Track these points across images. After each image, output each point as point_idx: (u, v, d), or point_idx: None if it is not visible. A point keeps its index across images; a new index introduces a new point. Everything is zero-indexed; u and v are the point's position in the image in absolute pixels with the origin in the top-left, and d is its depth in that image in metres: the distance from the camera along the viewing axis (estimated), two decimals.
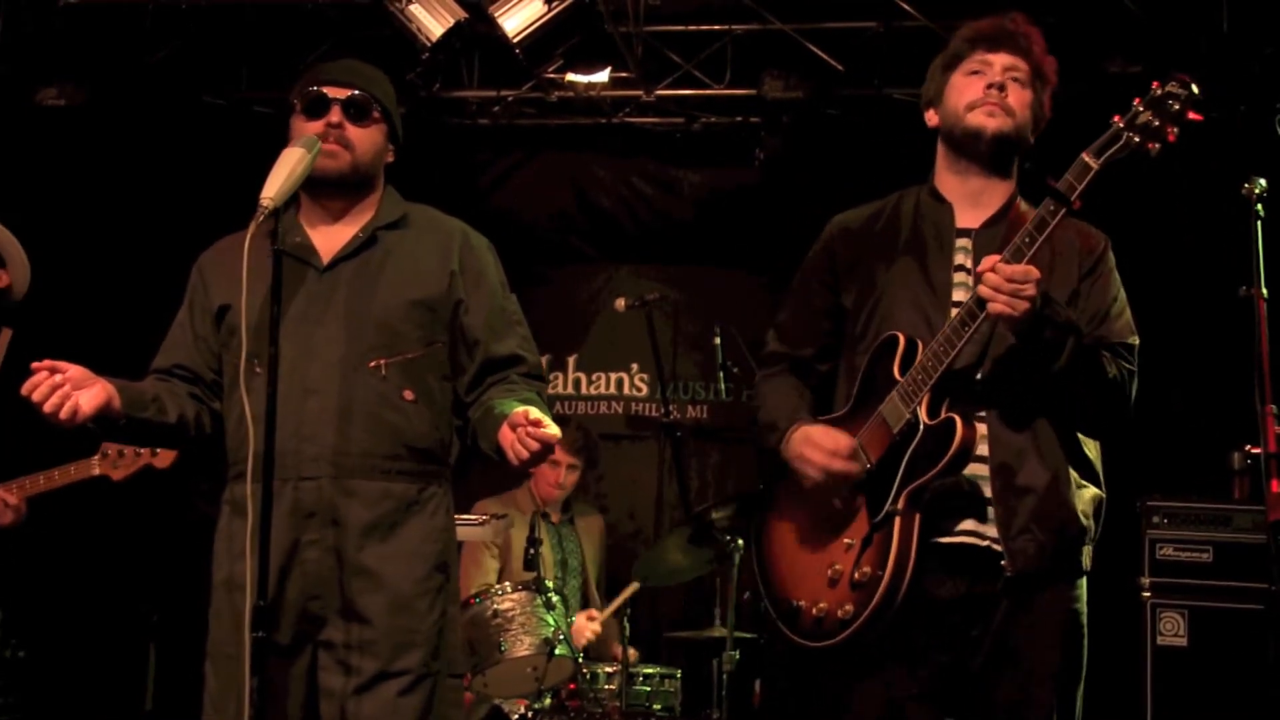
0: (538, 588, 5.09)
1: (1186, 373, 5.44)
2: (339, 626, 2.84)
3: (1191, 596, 4.70)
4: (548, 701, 5.15)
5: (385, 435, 2.89)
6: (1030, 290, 2.60)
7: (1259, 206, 2.91)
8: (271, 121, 6.26)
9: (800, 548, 2.95)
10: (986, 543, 2.76)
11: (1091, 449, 2.88)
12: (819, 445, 2.83)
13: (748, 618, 5.30)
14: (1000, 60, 2.89)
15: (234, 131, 6.38)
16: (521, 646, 4.95)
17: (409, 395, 2.92)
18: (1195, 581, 4.71)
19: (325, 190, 2.99)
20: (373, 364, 2.90)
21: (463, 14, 5.60)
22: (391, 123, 3.05)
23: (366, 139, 2.98)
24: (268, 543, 2.63)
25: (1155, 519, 4.80)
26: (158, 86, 6.34)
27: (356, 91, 2.97)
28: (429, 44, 5.60)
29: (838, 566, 2.83)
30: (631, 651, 5.51)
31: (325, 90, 2.96)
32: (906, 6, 5.77)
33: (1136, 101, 2.60)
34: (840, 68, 6.13)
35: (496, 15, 5.57)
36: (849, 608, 2.78)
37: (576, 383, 7.08)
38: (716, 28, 6.20)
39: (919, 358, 2.75)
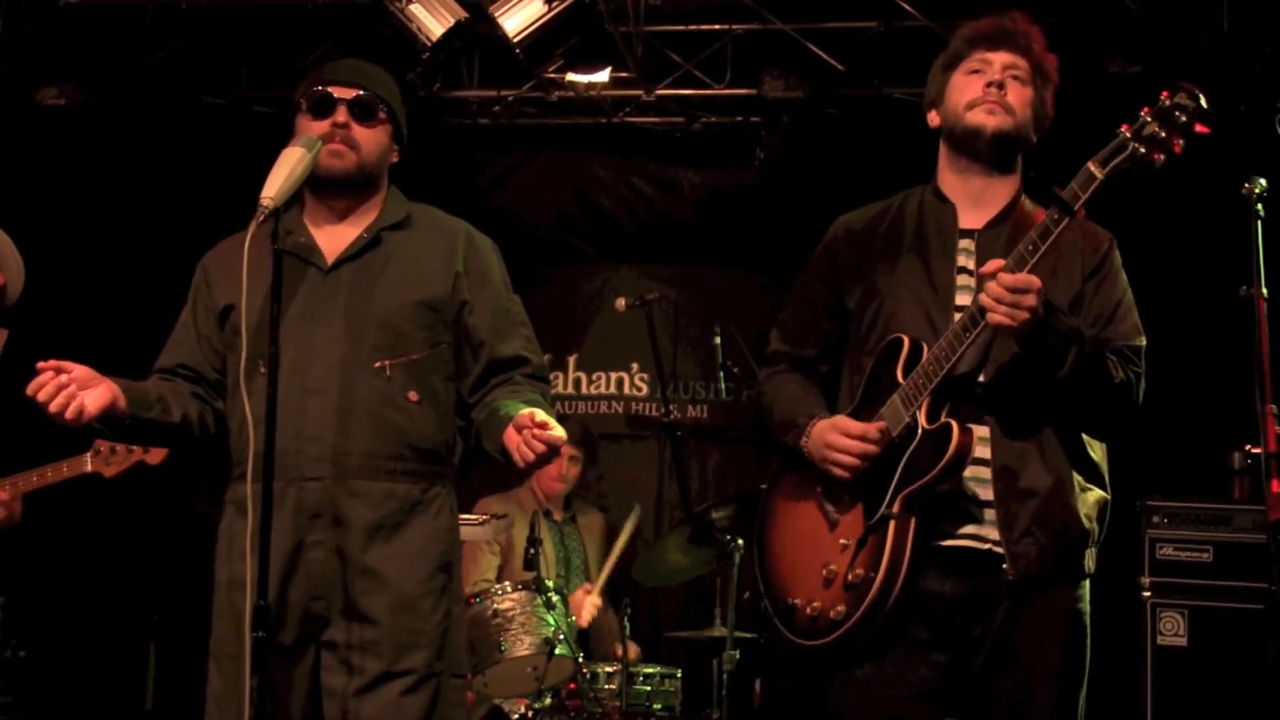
0: (538, 587, 5.10)
1: (1186, 372, 5.44)
2: (342, 627, 2.84)
3: (1191, 596, 4.70)
4: (548, 701, 5.15)
5: (389, 436, 2.89)
6: (1031, 301, 2.58)
7: (1259, 206, 2.91)
8: (271, 121, 6.27)
9: (798, 546, 2.95)
10: (988, 545, 2.75)
11: (1097, 451, 2.88)
12: (846, 430, 2.81)
13: (748, 617, 5.30)
14: (1000, 59, 2.89)
15: (234, 131, 6.38)
16: (522, 646, 4.95)
17: (413, 396, 2.92)
18: (1195, 581, 4.71)
19: (330, 190, 2.99)
20: (377, 365, 2.90)
21: (463, 14, 5.60)
22: (397, 123, 3.05)
23: (372, 139, 2.98)
24: (268, 543, 2.63)
25: (1155, 519, 4.80)
26: (158, 86, 6.34)
27: (363, 91, 2.97)
28: (429, 44, 5.60)
29: (833, 566, 2.83)
30: (633, 647, 5.51)
31: (331, 90, 2.96)
32: (907, 6, 5.77)
33: (1144, 111, 2.57)
34: (840, 67, 6.13)
35: (497, 15, 5.57)
36: (841, 608, 2.78)
37: (576, 382, 7.08)
38: (716, 27, 6.20)
39: (922, 361, 2.75)
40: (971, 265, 2.86)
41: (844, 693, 2.83)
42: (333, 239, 3.00)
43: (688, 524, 5.35)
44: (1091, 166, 2.59)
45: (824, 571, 2.84)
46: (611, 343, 7.00)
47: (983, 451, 2.76)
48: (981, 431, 2.75)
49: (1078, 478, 2.80)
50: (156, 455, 3.97)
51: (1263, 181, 2.91)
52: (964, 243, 2.90)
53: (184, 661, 4.84)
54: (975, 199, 2.93)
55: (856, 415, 2.88)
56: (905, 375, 2.78)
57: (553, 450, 2.70)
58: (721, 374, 6.33)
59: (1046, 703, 2.75)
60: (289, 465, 2.83)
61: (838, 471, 2.83)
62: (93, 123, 6.31)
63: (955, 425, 2.68)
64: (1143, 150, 2.55)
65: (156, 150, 6.56)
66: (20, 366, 2.92)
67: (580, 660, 5.17)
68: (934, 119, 2.99)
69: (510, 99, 6.54)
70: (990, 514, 2.76)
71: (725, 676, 5.10)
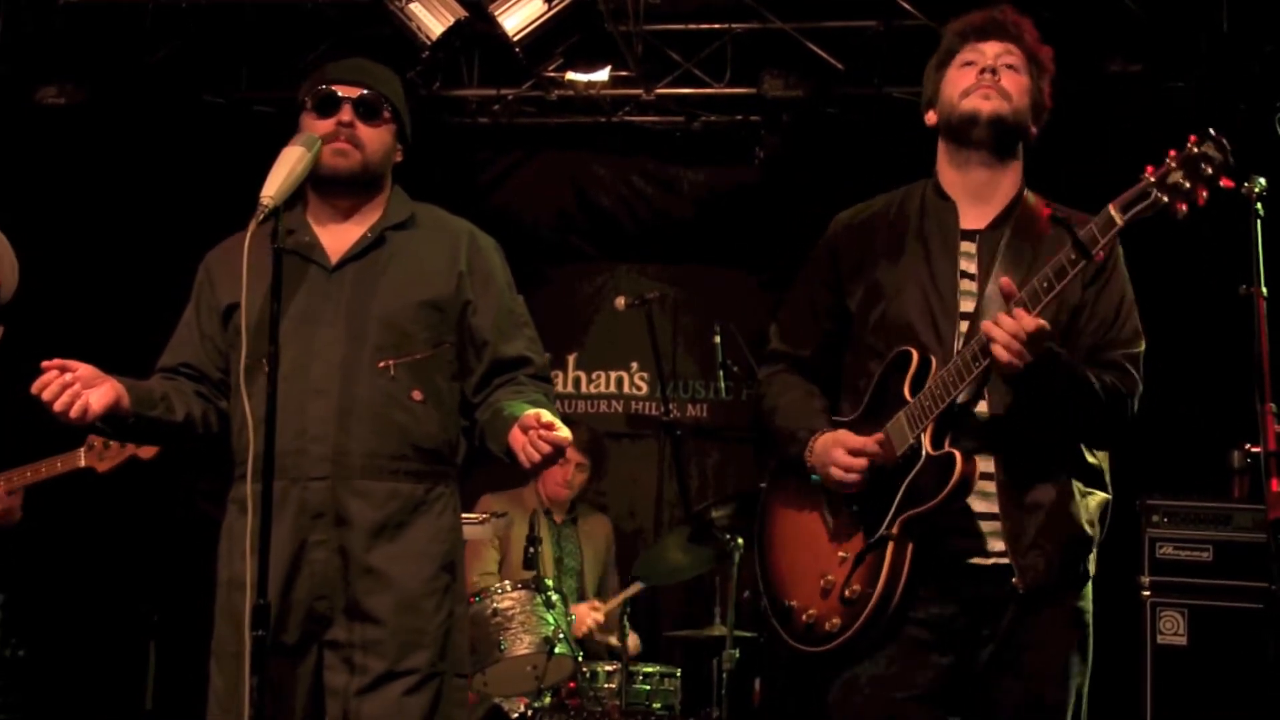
0: (537, 586, 5.10)
1: (1186, 371, 5.44)
2: (345, 626, 2.84)
3: (1191, 595, 4.71)
4: (548, 700, 5.15)
5: (393, 435, 2.89)
6: (1043, 347, 2.57)
7: (1259, 205, 2.91)
8: (272, 120, 6.28)
9: (798, 550, 2.94)
10: (992, 560, 2.74)
11: (1097, 452, 2.87)
12: (849, 446, 2.79)
13: (748, 616, 5.30)
14: (992, 48, 2.86)
15: (234, 130, 6.38)
16: (521, 645, 4.95)
17: (417, 395, 2.92)
18: (1195, 580, 4.72)
19: (334, 189, 3.00)
20: (381, 364, 2.90)
21: (463, 12, 5.60)
22: (401, 123, 3.05)
23: (377, 138, 2.98)
24: (268, 542, 2.63)
25: (1155, 518, 4.81)
26: (158, 85, 6.34)
27: (367, 91, 2.97)
28: (429, 42, 5.60)
29: (830, 577, 2.83)
30: (633, 637, 5.50)
31: (336, 89, 2.96)
32: (906, 5, 5.78)
33: (1170, 155, 2.51)
34: (840, 66, 6.13)
35: (496, 14, 5.57)
36: (836, 621, 2.78)
37: (576, 381, 7.08)
38: (716, 26, 6.21)
39: (928, 383, 2.72)
40: (973, 269, 2.83)
41: (845, 694, 2.82)
42: (337, 238, 3.00)
43: (687, 523, 5.35)
44: (1112, 211, 2.54)
45: (821, 581, 2.84)
46: (611, 342, 7.00)
47: (987, 465, 2.73)
48: (985, 464, 2.72)
49: (1078, 484, 2.79)
50: (148, 450, 3.97)
51: (1262, 181, 2.90)
52: (966, 245, 2.86)
53: (184, 661, 4.84)
54: (976, 195, 2.89)
55: (861, 424, 2.85)
56: (912, 391, 2.74)
57: (558, 451, 2.71)
58: (721, 373, 6.33)
59: (1051, 701, 2.74)
60: (292, 465, 2.83)
61: (842, 487, 2.82)
62: (93, 122, 6.32)
63: (959, 456, 2.65)
64: (1165, 200, 2.50)
65: (156, 150, 6.56)
66: (19, 365, 2.92)
67: (580, 659, 5.17)
68: (931, 118, 2.96)
69: (510, 98, 6.54)
70: (994, 526, 2.74)
71: (725, 675, 5.10)
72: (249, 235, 2.71)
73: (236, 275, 2.77)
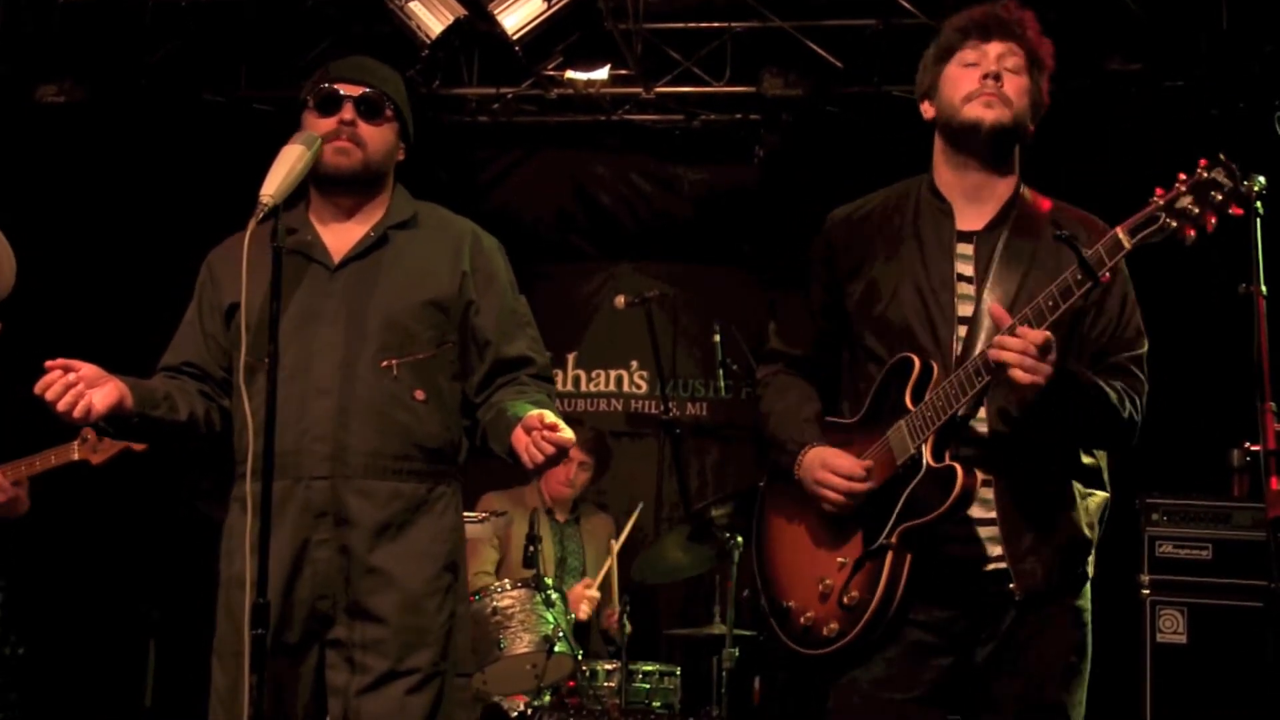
0: (537, 585, 5.10)
1: (1186, 371, 5.43)
2: (347, 625, 2.85)
3: (1191, 594, 4.71)
4: (547, 699, 5.15)
5: (395, 435, 2.89)
6: (1052, 360, 2.55)
7: (1259, 205, 2.90)
8: (271, 119, 6.27)
9: (797, 552, 2.94)
10: (991, 565, 2.74)
11: (1096, 451, 2.87)
12: (836, 469, 2.79)
13: (747, 615, 5.31)
14: (994, 49, 2.84)
15: (234, 129, 6.37)
16: (521, 644, 4.96)
17: (420, 395, 2.92)
18: (1195, 579, 4.72)
19: (336, 188, 3.00)
20: (384, 364, 2.90)
21: (462, 11, 5.60)
22: (403, 121, 3.06)
23: (379, 137, 2.99)
24: (268, 542, 2.63)
25: (1155, 516, 4.81)
26: (157, 84, 6.34)
27: (369, 89, 2.98)
28: (428, 41, 5.60)
29: (829, 582, 2.82)
30: (611, 613, 5.50)
31: (338, 87, 2.96)
32: (906, 4, 5.78)
33: (1180, 179, 2.49)
34: (840, 65, 6.13)
35: (496, 12, 5.57)
36: (834, 626, 2.78)
37: (576, 380, 7.09)
38: (716, 25, 6.20)
39: (929, 393, 2.71)
40: (970, 271, 2.82)
41: (845, 696, 2.81)
42: (339, 237, 3.00)
43: (687, 522, 5.35)
44: (1120, 234, 2.53)
45: (820, 585, 2.84)
46: (611, 340, 7.00)
47: (984, 473, 2.72)
48: (984, 472, 2.72)
49: (1078, 485, 2.79)
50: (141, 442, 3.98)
51: (1262, 180, 2.90)
52: (963, 247, 2.85)
53: (184, 659, 4.85)
54: (972, 196, 2.88)
55: (861, 429, 2.85)
56: (914, 399, 2.74)
57: (561, 452, 2.71)
58: (721, 371, 6.34)
59: (1053, 702, 2.74)
60: (294, 464, 2.83)
61: (826, 506, 2.82)
62: (92, 120, 6.31)
63: (960, 470, 2.65)
64: (1174, 225, 2.48)
65: (156, 148, 6.56)
66: (18, 364, 2.92)
67: (580, 658, 5.17)
68: (928, 110, 2.94)
69: (510, 96, 6.54)
70: (993, 531, 2.74)
71: (725, 674, 5.10)
72: (248, 234, 2.72)
73: (238, 274, 2.77)
